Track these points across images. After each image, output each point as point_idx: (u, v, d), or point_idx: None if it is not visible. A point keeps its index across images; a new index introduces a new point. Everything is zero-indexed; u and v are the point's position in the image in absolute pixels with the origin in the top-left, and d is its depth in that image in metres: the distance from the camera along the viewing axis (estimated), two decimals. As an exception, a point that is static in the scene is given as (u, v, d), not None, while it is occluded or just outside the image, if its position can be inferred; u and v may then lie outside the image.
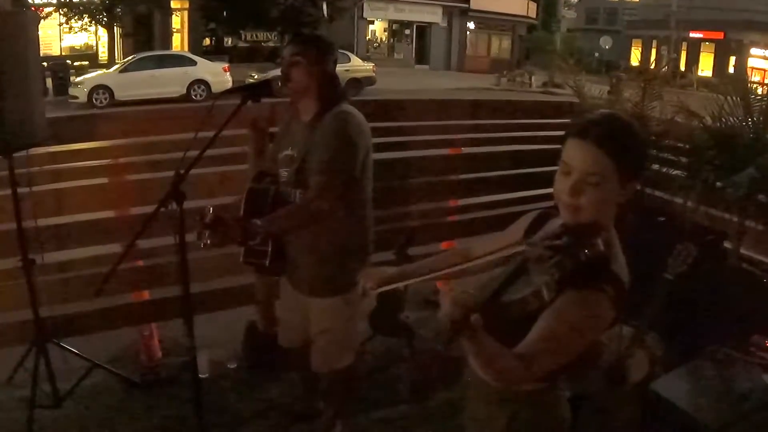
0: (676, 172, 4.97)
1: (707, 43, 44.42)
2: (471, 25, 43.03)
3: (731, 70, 38.74)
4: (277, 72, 3.09)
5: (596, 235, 1.73)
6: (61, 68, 21.91)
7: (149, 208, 2.77)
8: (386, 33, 41.69)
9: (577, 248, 1.72)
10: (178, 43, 32.68)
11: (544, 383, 1.95)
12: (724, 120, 4.56)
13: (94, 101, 19.88)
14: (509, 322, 1.75)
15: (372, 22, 40.50)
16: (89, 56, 30.65)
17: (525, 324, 1.76)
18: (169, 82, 21.02)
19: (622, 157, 1.75)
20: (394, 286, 2.05)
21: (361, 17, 38.60)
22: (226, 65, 23.23)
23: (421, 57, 41.52)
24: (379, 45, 41.25)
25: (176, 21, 32.60)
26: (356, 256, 3.15)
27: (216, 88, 21.18)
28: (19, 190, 3.40)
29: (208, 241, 2.65)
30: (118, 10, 28.12)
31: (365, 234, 3.21)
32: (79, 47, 31.23)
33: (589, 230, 1.75)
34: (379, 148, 4.90)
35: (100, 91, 20.13)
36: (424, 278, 2.00)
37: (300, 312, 3.29)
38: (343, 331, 3.26)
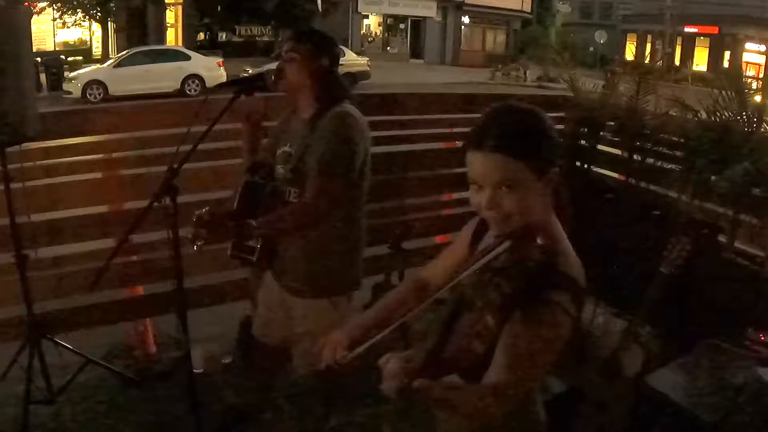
0: (670, 165, 4.97)
1: (702, 37, 44.43)
2: (466, 19, 43.04)
3: (726, 64, 38.78)
4: (272, 66, 3.07)
5: (531, 240, 1.61)
6: (55, 63, 21.87)
7: (143, 203, 2.76)
8: (381, 27, 41.63)
9: (515, 264, 1.58)
10: (172, 37, 32.61)
11: None
12: (718, 114, 4.56)
13: (88, 96, 19.84)
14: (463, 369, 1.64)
15: (366, 17, 40.45)
16: (83, 51, 30.58)
17: (483, 360, 1.62)
18: (163, 77, 20.98)
19: (526, 153, 1.65)
20: (363, 348, 1.80)
21: (356, 11, 38.55)
22: (221, 60, 23.20)
23: (416, 51, 41.49)
24: (374, 39, 41.20)
25: (170, 16, 32.54)
26: (347, 258, 3.11)
27: (210, 82, 21.12)
28: (13, 185, 3.39)
29: (200, 243, 2.67)
30: (112, 5, 28.09)
31: (358, 237, 3.14)
32: (72, 42, 31.16)
33: (522, 237, 1.61)
34: (374, 142, 4.89)
35: (94, 86, 20.09)
36: (392, 328, 1.73)
37: (283, 310, 3.21)
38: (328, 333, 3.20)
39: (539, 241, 1.62)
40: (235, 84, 2.92)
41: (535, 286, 1.58)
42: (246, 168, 3.23)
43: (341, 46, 24.45)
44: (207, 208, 2.70)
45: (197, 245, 2.67)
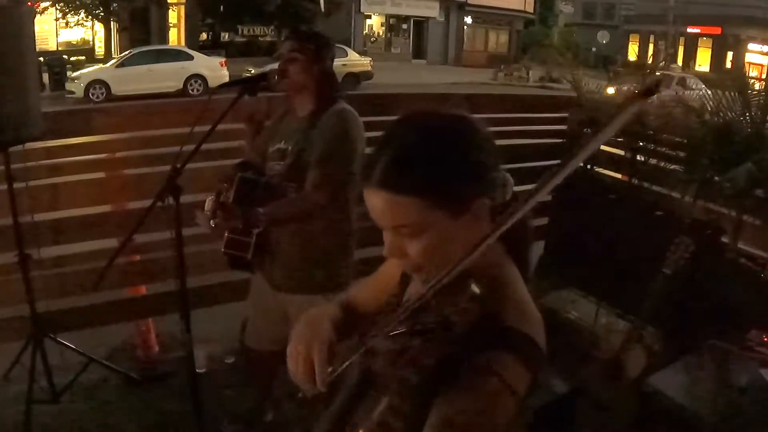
0: (673, 166, 4.97)
1: (705, 38, 44.41)
2: (468, 19, 43.02)
3: (728, 65, 38.76)
4: (274, 66, 3.09)
5: (462, 290, 1.19)
6: (58, 63, 21.84)
7: (146, 203, 2.77)
8: (383, 27, 41.61)
9: (439, 325, 1.18)
10: (175, 37, 32.62)
11: None
12: (722, 115, 4.56)
13: (91, 96, 19.83)
14: None
15: (369, 17, 40.43)
16: (86, 51, 30.58)
17: None
18: (165, 77, 20.98)
19: (420, 187, 1.22)
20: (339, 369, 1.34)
21: (358, 11, 38.54)
22: (223, 60, 23.19)
23: (418, 51, 41.48)
24: (376, 39, 41.18)
25: (173, 15, 32.55)
26: (340, 254, 3.15)
27: (213, 82, 21.16)
28: (16, 185, 3.40)
29: (217, 221, 2.76)
30: (115, 4, 28.08)
31: (350, 233, 3.17)
32: (75, 42, 31.14)
33: (451, 287, 1.17)
34: (377, 142, 4.89)
35: (97, 86, 20.08)
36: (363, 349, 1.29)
37: (276, 313, 3.22)
38: None
39: (475, 289, 1.19)
40: (238, 84, 2.93)
41: (466, 350, 1.19)
42: (234, 166, 3.24)
43: (344, 47, 24.52)
44: (227, 193, 2.79)
45: (215, 222, 2.76)
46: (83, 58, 28.03)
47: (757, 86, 4.87)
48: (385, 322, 1.26)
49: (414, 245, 1.27)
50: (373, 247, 3.94)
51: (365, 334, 1.28)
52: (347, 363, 1.31)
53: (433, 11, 40.99)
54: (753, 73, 31.47)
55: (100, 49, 30.88)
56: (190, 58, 22.45)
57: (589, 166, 5.68)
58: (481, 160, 1.28)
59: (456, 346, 1.18)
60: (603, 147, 5.68)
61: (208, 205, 2.87)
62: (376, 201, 1.25)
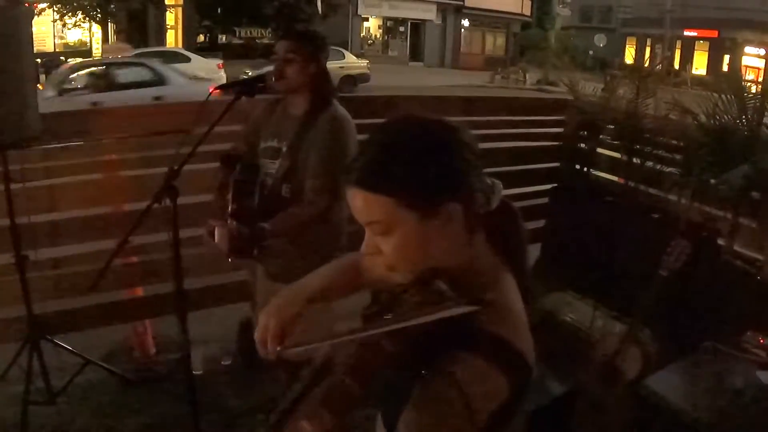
0: (670, 169, 4.98)
1: (701, 41, 44.52)
2: (465, 22, 43.07)
3: (725, 68, 38.82)
4: (271, 68, 3.09)
5: (433, 289, 1.26)
6: (55, 65, 21.82)
7: (143, 204, 2.77)
8: (380, 30, 41.67)
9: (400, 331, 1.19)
10: (172, 39, 32.62)
11: None
12: (718, 118, 4.56)
13: (88, 98, 19.81)
14: None
15: (366, 19, 40.49)
16: (83, 53, 30.55)
17: None
18: (163, 79, 20.96)
19: (396, 186, 1.27)
20: (302, 349, 1.46)
21: (356, 14, 38.60)
22: (220, 62, 23.17)
23: (416, 54, 41.55)
24: (374, 42, 41.23)
25: (170, 17, 32.55)
26: (333, 245, 3.17)
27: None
28: (13, 186, 3.39)
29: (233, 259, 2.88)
30: (112, 6, 28.06)
31: (342, 224, 3.21)
32: (73, 43, 31.15)
33: (419, 286, 1.27)
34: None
35: (94, 87, 20.06)
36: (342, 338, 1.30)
37: None
38: (319, 318, 3.21)
39: (441, 287, 1.26)
40: (236, 86, 2.93)
41: (431, 351, 1.22)
42: (221, 159, 3.25)
43: (341, 49, 24.50)
44: (232, 221, 2.83)
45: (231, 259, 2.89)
46: (80, 59, 28.01)
47: (753, 89, 4.88)
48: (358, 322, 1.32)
49: (386, 243, 1.32)
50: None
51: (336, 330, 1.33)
52: (304, 348, 1.42)
53: (431, 14, 41.05)
54: (749, 76, 31.55)
55: (97, 51, 30.83)
56: (188, 60, 22.42)
57: (585, 169, 5.69)
58: (455, 166, 1.31)
59: (420, 345, 1.21)
60: (600, 149, 5.69)
61: (218, 237, 2.89)
62: (354, 198, 1.32)
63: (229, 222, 2.84)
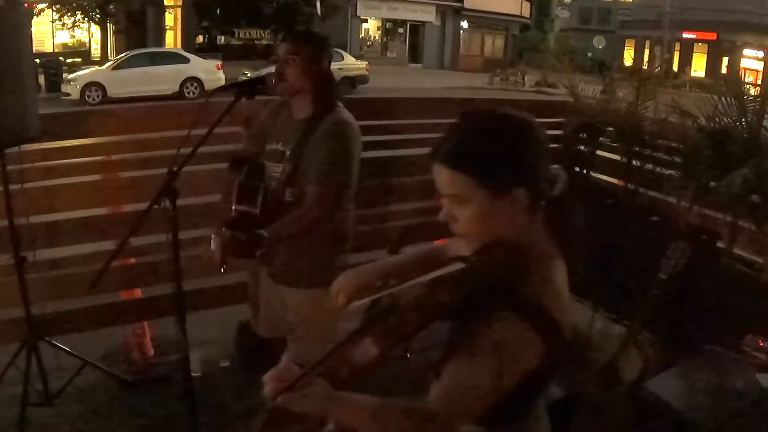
0: (669, 171, 4.98)
1: (700, 43, 44.58)
2: (464, 24, 43.10)
3: (724, 70, 38.89)
4: (271, 70, 3.09)
5: (487, 259, 1.50)
6: (54, 65, 21.86)
7: (142, 206, 2.76)
8: (380, 31, 41.69)
9: (457, 279, 1.48)
10: (171, 40, 32.62)
11: (495, 427, 1.64)
12: (717, 120, 4.56)
13: (87, 98, 19.86)
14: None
15: (365, 21, 40.51)
16: (82, 53, 30.58)
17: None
18: (162, 80, 21.02)
19: (477, 168, 1.52)
20: (372, 297, 1.69)
21: (355, 15, 38.62)
22: (219, 63, 23.24)
23: (415, 56, 41.58)
24: (373, 43, 41.25)
25: (169, 18, 32.55)
26: (337, 248, 3.18)
27: (209, 85, 21.23)
28: (11, 186, 3.39)
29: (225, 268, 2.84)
30: (112, 6, 28.07)
31: (347, 227, 3.22)
32: (71, 44, 31.17)
33: (483, 255, 1.53)
34: (373, 146, 4.89)
35: (93, 88, 20.12)
36: (405, 285, 1.61)
37: (279, 302, 3.27)
38: (323, 321, 3.23)
39: (500, 254, 1.51)
40: (235, 87, 2.92)
41: (484, 305, 1.47)
42: (229, 162, 3.25)
43: (340, 50, 24.56)
44: (226, 231, 2.80)
45: (224, 268, 2.84)
46: (79, 59, 28.01)
47: (752, 92, 4.88)
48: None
49: (461, 213, 1.58)
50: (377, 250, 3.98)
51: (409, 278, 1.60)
52: (372, 297, 1.66)
53: (430, 15, 41.08)
54: (748, 78, 31.61)
55: (96, 51, 30.87)
56: (187, 60, 22.47)
57: (585, 171, 5.68)
58: (525, 157, 1.55)
59: (472, 303, 1.46)
60: (599, 152, 5.69)
61: (214, 244, 2.89)
62: (437, 174, 1.59)
63: (223, 231, 2.83)
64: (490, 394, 1.48)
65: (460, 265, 1.51)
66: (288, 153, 3.04)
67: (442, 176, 1.57)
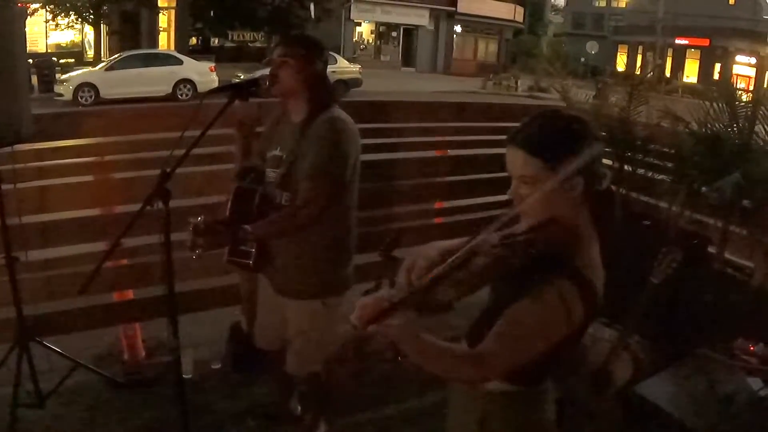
0: (661, 176, 5.00)
1: (693, 49, 44.77)
2: (458, 28, 43.18)
3: (716, 76, 39.04)
4: (264, 72, 3.09)
5: (550, 233, 1.77)
6: (47, 65, 21.79)
7: (135, 207, 2.76)
8: (373, 35, 41.72)
9: (524, 245, 1.74)
10: (165, 42, 32.56)
11: (518, 385, 1.94)
12: (709, 126, 4.58)
13: (80, 99, 19.80)
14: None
15: (359, 24, 40.53)
16: (75, 54, 30.49)
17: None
18: (155, 81, 20.96)
19: (543, 152, 1.78)
20: (440, 269, 1.79)
21: (349, 19, 38.64)
22: (213, 65, 23.20)
23: (408, 59, 41.62)
24: (366, 47, 41.27)
25: (163, 20, 32.48)
26: (338, 259, 3.17)
27: (202, 87, 21.17)
28: (4, 186, 3.38)
29: (199, 251, 2.70)
30: (105, 7, 27.97)
31: (348, 240, 3.20)
32: (65, 44, 31.07)
33: (541, 229, 1.79)
34: (366, 149, 4.88)
35: (86, 88, 20.05)
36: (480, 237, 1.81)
37: (278, 314, 3.25)
38: (321, 334, 3.23)
39: (557, 232, 1.77)
40: (229, 89, 2.92)
41: (539, 270, 1.74)
42: (236, 172, 3.25)
43: (334, 54, 24.57)
44: (202, 217, 2.72)
45: (196, 253, 2.72)
46: (72, 60, 27.90)
47: (744, 98, 4.90)
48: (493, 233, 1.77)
49: (528, 191, 1.80)
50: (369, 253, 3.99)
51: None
52: (444, 266, 1.75)
53: (423, 19, 41.14)
54: (740, 84, 31.72)
55: (89, 52, 30.77)
56: (180, 62, 22.44)
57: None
58: (586, 149, 1.78)
59: (530, 268, 1.72)
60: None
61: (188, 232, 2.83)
62: (514, 155, 1.83)
63: (199, 219, 2.79)
64: (537, 347, 1.77)
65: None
66: (284, 157, 3.04)
67: (519, 158, 1.81)
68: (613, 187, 1.98)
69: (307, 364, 3.29)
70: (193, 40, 34.73)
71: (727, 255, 4.45)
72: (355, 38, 40.58)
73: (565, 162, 1.76)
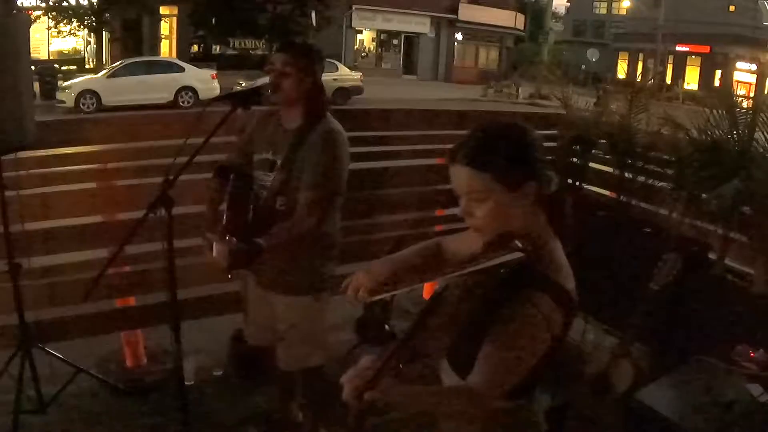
0: (661, 183, 5.00)
1: (693, 56, 44.82)
2: (459, 36, 43.23)
3: (717, 83, 39.06)
4: (265, 80, 3.11)
5: (509, 246, 1.72)
6: (49, 72, 21.81)
7: (137, 214, 2.78)
8: (374, 43, 41.79)
9: (491, 269, 1.71)
10: (167, 49, 32.67)
11: (511, 401, 1.91)
12: (709, 133, 4.59)
13: (81, 106, 19.82)
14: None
15: (360, 32, 40.60)
16: (77, 61, 30.59)
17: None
18: (156, 89, 20.99)
19: (491, 167, 1.77)
20: (387, 295, 1.99)
21: (350, 26, 38.70)
22: (214, 72, 23.22)
23: (409, 67, 41.67)
24: (367, 54, 41.34)
25: (165, 27, 32.61)
26: (327, 256, 3.24)
27: (204, 95, 21.23)
28: (7, 193, 3.39)
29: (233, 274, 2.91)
30: (107, 15, 28.06)
31: (334, 235, 3.26)
32: (67, 51, 31.16)
33: (500, 243, 1.75)
34: (367, 157, 4.91)
35: (88, 95, 20.07)
36: (414, 286, 1.95)
37: (267, 310, 3.30)
38: (312, 328, 3.26)
39: (517, 245, 1.71)
40: (231, 97, 2.94)
41: (510, 287, 1.74)
42: (215, 169, 3.27)
43: (335, 61, 24.60)
44: (234, 239, 2.83)
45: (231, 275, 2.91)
46: (74, 67, 28.03)
47: (744, 104, 4.91)
48: (459, 266, 1.76)
49: (479, 209, 1.80)
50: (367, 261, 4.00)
51: (445, 272, 1.78)
52: (394, 293, 1.90)
53: (424, 27, 41.20)
54: (741, 91, 31.74)
55: (91, 59, 30.84)
56: (182, 69, 22.47)
57: (577, 183, 5.71)
58: (531, 155, 1.82)
59: (498, 283, 1.74)
60: (592, 164, 5.71)
61: (216, 252, 2.91)
62: (458, 174, 1.81)
63: (228, 239, 2.84)
64: (528, 364, 1.77)
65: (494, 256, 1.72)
66: (279, 162, 3.07)
67: (464, 176, 1.79)
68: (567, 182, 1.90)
69: (299, 360, 3.31)
70: (195, 48, 34.76)
71: (727, 262, 4.46)
72: (357, 46, 40.65)
73: (512, 172, 1.78)
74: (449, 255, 2.27)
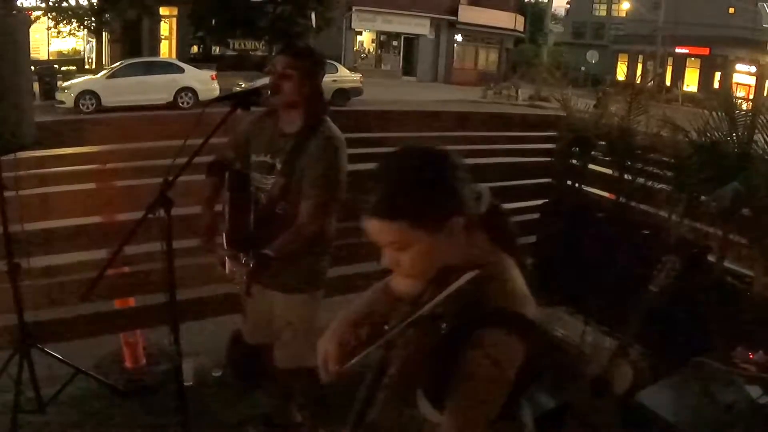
0: (661, 185, 5.01)
1: (693, 58, 44.84)
2: (458, 37, 43.25)
3: (716, 85, 39.10)
4: (265, 81, 3.11)
5: (447, 284, 1.56)
6: (49, 73, 21.82)
7: (136, 215, 2.77)
8: (374, 44, 41.81)
9: (436, 313, 1.57)
10: (166, 50, 32.69)
11: (496, 424, 1.70)
12: (709, 134, 4.60)
13: (81, 106, 19.82)
14: None
15: (360, 33, 40.63)
16: (77, 61, 30.59)
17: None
18: (156, 89, 20.99)
19: (408, 214, 1.56)
20: (360, 356, 1.72)
21: (349, 28, 38.72)
22: (214, 73, 23.22)
23: (409, 68, 41.69)
24: (367, 56, 41.36)
25: (164, 28, 32.63)
26: (322, 253, 3.26)
27: (203, 95, 21.22)
28: (6, 193, 3.39)
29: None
30: (107, 15, 28.06)
31: (330, 233, 3.26)
32: (66, 52, 31.17)
33: (440, 284, 1.59)
34: (366, 158, 4.90)
35: (87, 96, 20.08)
36: (379, 342, 1.68)
37: (265, 307, 3.32)
38: (309, 326, 3.26)
39: (457, 283, 1.56)
40: (231, 98, 2.94)
41: (457, 336, 1.57)
42: (207, 166, 3.29)
43: (335, 62, 24.59)
44: (250, 253, 2.84)
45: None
46: (74, 68, 28.04)
47: (744, 106, 4.91)
48: (403, 315, 1.62)
49: (404, 257, 1.62)
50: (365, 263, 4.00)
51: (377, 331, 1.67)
52: (362, 355, 1.67)
53: (424, 29, 41.22)
54: (740, 93, 31.77)
55: (91, 60, 30.85)
56: (181, 70, 22.47)
57: (577, 185, 5.71)
58: (449, 186, 1.61)
59: (447, 333, 1.56)
60: (591, 165, 5.72)
61: (229, 268, 2.97)
62: (372, 226, 1.60)
63: (241, 257, 2.85)
64: (498, 401, 1.61)
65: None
66: (279, 166, 3.07)
67: (376, 228, 1.60)
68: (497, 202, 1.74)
69: (296, 358, 3.30)
70: (195, 49, 34.77)
71: (726, 264, 4.46)
72: (356, 47, 40.67)
73: (431, 213, 1.58)
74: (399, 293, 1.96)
